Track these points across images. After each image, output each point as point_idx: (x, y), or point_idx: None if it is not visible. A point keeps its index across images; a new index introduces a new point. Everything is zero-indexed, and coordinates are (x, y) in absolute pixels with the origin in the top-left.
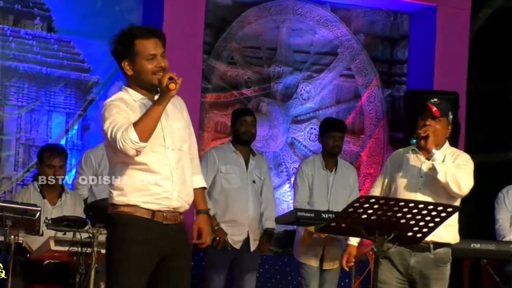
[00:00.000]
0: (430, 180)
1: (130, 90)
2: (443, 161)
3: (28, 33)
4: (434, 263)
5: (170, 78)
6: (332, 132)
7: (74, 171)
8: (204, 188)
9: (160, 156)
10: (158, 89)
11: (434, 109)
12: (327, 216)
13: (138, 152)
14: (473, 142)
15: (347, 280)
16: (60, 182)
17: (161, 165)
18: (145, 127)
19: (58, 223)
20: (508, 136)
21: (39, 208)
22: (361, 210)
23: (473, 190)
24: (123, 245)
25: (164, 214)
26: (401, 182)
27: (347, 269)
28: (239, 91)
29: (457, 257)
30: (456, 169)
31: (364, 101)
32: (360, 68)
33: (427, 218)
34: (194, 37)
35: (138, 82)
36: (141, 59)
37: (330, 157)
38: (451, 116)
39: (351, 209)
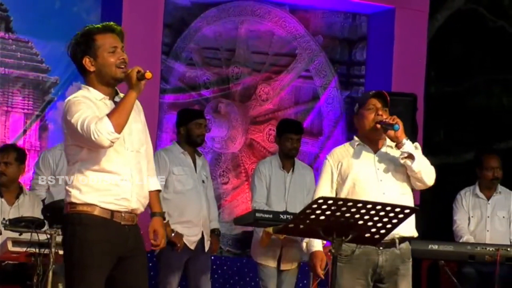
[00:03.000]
0: (387, 171)
1: (91, 88)
2: (416, 149)
3: None
4: (401, 258)
5: (138, 72)
6: (289, 134)
7: (31, 171)
8: (159, 191)
9: (120, 157)
10: (126, 82)
11: (388, 98)
12: (285, 217)
13: (112, 143)
14: (431, 144)
15: (305, 281)
16: (9, 178)
17: (121, 166)
18: (120, 117)
19: (15, 224)
20: (466, 138)
21: None
22: (319, 211)
23: (431, 192)
24: (83, 245)
25: (123, 215)
26: (359, 176)
27: (323, 277)
28: (198, 92)
29: (415, 258)
30: (426, 159)
31: (323, 103)
32: (319, 69)
33: (385, 219)
34: (152, 38)
35: (100, 78)
36: (103, 52)
37: (287, 158)
38: None
39: (309, 210)
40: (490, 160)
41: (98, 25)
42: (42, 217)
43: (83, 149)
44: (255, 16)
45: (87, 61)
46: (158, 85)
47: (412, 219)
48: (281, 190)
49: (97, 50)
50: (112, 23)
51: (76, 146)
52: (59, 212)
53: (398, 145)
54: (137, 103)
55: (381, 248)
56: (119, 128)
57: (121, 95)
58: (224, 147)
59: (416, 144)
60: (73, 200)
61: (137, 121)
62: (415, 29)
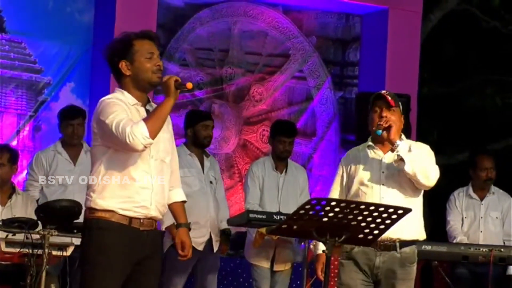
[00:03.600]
0: (392, 174)
1: (125, 92)
2: (410, 151)
3: None
4: (400, 262)
5: (176, 81)
6: (282, 137)
7: (25, 172)
8: (184, 202)
9: (144, 165)
10: (163, 90)
11: (390, 98)
12: (278, 218)
13: (145, 148)
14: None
15: (298, 282)
16: (2, 179)
17: (143, 173)
18: (155, 123)
19: (9, 224)
20: (459, 138)
21: None
22: (313, 212)
23: (424, 192)
24: (99, 248)
25: (141, 221)
26: (363, 179)
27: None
28: (191, 92)
29: None
30: (423, 160)
31: (316, 103)
32: (312, 70)
33: (378, 220)
34: None
35: (135, 82)
36: (140, 57)
37: (280, 159)
38: (401, 107)
39: (302, 211)
40: (484, 160)
41: (136, 32)
42: (35, 218)
43: (109, 150)
44: (248, 16)
45: (123, 65)
46: None
47: (418, 222)
48: (274, 191)
49: (134, 54)
50: (150, 30)
51: (103, 147)
52: (53, 213)
53: (392, 148)
54: None
55: (379, 249)
56: (153, 134)
57: (153, 103)
58: (218, 148)
59: (411, 145)
60: (93, 205)
61: (164, 131)
62: (408, 29)
